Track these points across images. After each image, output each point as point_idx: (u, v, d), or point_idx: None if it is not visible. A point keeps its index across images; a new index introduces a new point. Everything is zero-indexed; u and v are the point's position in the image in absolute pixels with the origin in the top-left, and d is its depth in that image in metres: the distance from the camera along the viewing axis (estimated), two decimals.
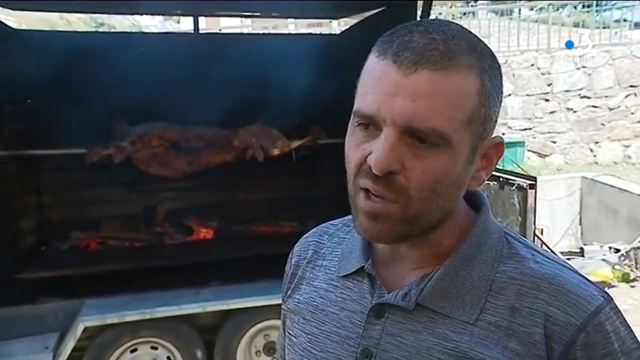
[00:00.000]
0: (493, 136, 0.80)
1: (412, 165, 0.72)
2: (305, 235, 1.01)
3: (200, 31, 4.53)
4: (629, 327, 0.79)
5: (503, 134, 9.15)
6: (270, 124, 4.20)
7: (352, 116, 0.77)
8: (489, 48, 0.78)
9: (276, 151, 4.10)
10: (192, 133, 4.05)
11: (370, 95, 0.73)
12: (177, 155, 4.05)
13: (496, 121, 0.78)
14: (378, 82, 0.73)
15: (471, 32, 0.77)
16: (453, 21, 0.84)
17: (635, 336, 0.79)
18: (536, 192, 3.41)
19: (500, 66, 0.78)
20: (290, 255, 1.00)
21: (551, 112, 9.38)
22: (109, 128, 3.93)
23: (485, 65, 0.74)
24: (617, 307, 0.78)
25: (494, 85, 0.76)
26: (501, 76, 0.78)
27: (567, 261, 0.86)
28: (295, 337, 0.90)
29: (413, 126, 0.71)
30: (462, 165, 0.75)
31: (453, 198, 0.78)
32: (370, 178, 0.74)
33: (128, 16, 12.18)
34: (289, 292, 0.96)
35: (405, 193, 0.73)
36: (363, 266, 0.85)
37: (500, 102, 0.78)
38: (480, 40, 0.77)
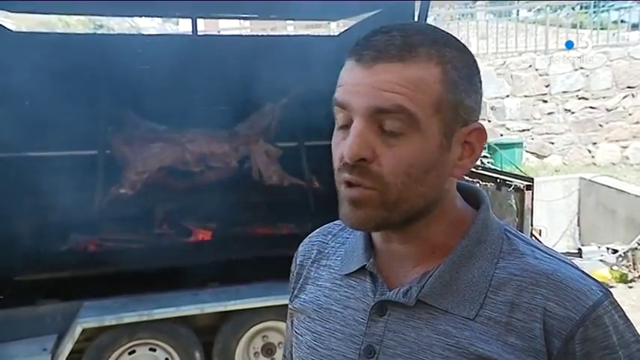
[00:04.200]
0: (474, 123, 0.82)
1: (383, 152, 0.76)
2: (309, 235, 1.03)
3: (198, 33, 4.54)
4: (629, 321, 0.80)
5: (502, 135, 9.17)
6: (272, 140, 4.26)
7: (335, 115, 0.82)
8: (457, 41, 0.81)
9: (270, 182, 4.22)
10: (190, 153, 4.08)
11: (340, 88, 0.80)
12: (176, 181, 4.19)
13: (474, 108, 0.80)
14: (345, 78, 0.80)
15: (437, 29, 0.81)
16: (435, 25, 0.87)
17: (634, 330, 0.80)
18: (533, 193, 3.42)
19: (471, 57, 0.81)
20: (295, 255, 1.02)
21: (549, 113, 9.39)
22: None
23: (447, 55, 0.78)
24: (616, 302, 0.79)
25: (462, 73, 0.78)
26: (473, 66, 0.81)
27: (567, 257, 0.87)
28: (301, 336, 0.92)
29: (377, 106, 0.75)
30: (435, 150, 0.78)
31: (434, 185, 0.80)
32: (347, 170, 0.78)
33: (127, 18, 12.18)
34: (295, 291, 0.98)
35: (380, 180, 0.77)
36: (365, 265, 0.86)
37: (477, 89, 0.81)
38: (447, 35, 0.81)
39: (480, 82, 0.82)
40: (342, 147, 0.78)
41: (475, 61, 0.82)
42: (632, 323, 0.80)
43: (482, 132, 0.81)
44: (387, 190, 0.77)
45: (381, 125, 0.76)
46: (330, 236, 0.98)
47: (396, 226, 0.82)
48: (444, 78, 0.76)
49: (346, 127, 0.79)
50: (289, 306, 1.00)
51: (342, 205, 0.81)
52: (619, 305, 0.80)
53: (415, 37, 0.77)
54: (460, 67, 0.78)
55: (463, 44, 0.81)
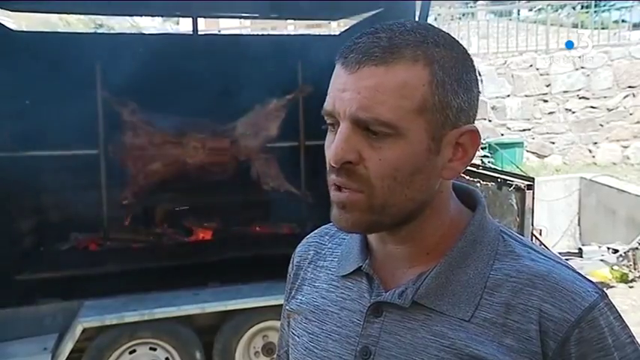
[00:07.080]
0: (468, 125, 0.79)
1: (369, 155, 0.76)
2: (307, 236, 1.03)
3: (199, 32, 4.54)
4: (624, 322, 0.80)
5: (502, 135, 9.16)
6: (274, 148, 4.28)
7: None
8: (451, 40, 0.79)
9: (267, 187, 4.24)
10: (191, 164, 4.11)
11: (329, 95, 0.80)
12: (176, 185, 4.24)
13: (464, 108, 0.78)
14: (333, 83, 0.80)
15: (430, 27, 0.79)
16: (430, 23, 0.85)
17: (629, 331, 0.80)
18: (533, 193, 3.41)
19: (462, 55, 0.79)
20: (292, 256, 1.02)
21: (550, 113, 9.39)
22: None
23: (435, 55, 0.76)
24: (611, 303, 0.79)
25: (451, 73, 0.76)
26: (465, 65, 0.78)
27: (564, 259, 0.87)
28: (298, 337, 0.92)
29: (358, 116, 0.75)
30: (422, 153, 0.77)
31: (422, 187, 0.79)
32: (334, 172, 0.79)
33: (127, 18, 12.18)
34: (292, 292, 0.98)
35: (367, 183, 0.77)
36: (361, 266, 0.86)
37: (468, 88, 0.78)
38: (440, 33, 0.79)
39: (475, 80, 0.80)
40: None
41: (468, 60, 0.80)
42: (627, 325, 0.80)
43: (475, 134, 0.80)
44: (373, 193, 0.77)
45: (367, 127, 0.75)
46: (327, 237, 0.98)
47: (387, 229, 0.82)
48: (430, 79, 0.75)
49: (333, 126, 0.80)
50: (286, 307, 0.99)
51: (332, 207, 0.81)
52: (615, 307, 0.80)
53: (401, 37, 0.75)
54: (449, 67, 0.76)
55: (457, 43, 0.79)
